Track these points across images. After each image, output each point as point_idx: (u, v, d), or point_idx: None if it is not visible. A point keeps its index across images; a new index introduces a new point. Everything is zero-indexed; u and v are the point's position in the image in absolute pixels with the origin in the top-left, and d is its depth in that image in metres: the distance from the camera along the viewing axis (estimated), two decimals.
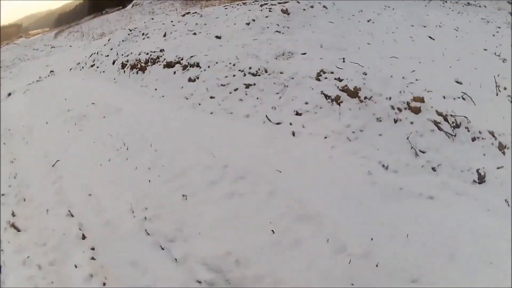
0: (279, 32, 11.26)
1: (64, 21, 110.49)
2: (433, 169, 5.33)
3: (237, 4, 16.22)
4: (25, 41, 56.97)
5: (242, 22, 12.44)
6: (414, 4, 18.51)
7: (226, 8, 15.55)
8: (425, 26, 12.91)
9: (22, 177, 7.67)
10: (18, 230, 5.70)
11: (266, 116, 6.96)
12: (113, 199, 5.81)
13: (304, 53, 8.82)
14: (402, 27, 12.64)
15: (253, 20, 12.22)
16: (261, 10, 13.05)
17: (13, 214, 6.08)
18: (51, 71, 21.53)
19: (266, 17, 12.31)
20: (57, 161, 7.85)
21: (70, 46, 38.75)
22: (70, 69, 18.30)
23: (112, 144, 7.77)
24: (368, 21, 13.31)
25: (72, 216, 5.68)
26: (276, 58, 8.81)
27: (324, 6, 13.82)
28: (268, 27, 11.65)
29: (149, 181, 5.98)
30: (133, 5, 54.29)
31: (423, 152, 5.56)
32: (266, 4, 14.22)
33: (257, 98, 7.59)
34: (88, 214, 5.66)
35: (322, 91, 6.96)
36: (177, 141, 7.14)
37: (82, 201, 6.03)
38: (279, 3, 13.97)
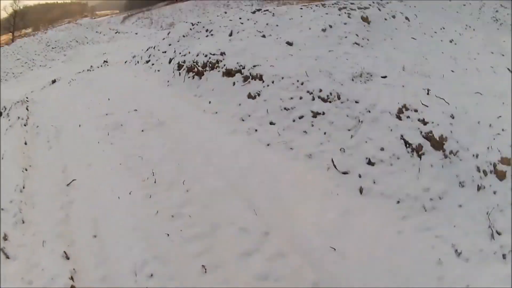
0: (358, 44, 10.40)
1: (136, 4, 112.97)
2: (503, 256, 4.33)
3: (315, 5, 15.18)
4: (89, 21, 57.72)
5: (317, 27, 11.53)
6: (489, 26, 17.56)
7: (301, 9, 14.52)
8: (503, 55, 11.76)
9: (30, 192, 7.27)
10: (7, 257, 5.47)
11: (332, 161, 5.90)
12: (119, 250, 5.20)
13: (385, 77, 7.81)
14: (483, 53, 11.66)
15: (330, 27, 11.34)
16: (340, 15, 12.20)
17: (5, 238, 5.81)
18: (105, 61, 21.52)
19: (345, 24, 11.51)
20: (73, 180, 7.39)
21: (136, 33, 39.00)
22: (125, 62, 18.05)
23: (139, 171, 7.19)
24: (451, 41, 12.53)
25: (68, 258, 5.24)
26: (353, 80, 7.80)
27: (406, 18, 13.19)
28: (346, 37, 10.80)
29: (168, 235, 5.23)
30: None
31: (499, 234, 4.52)
32: (345, 8, 13.29)
33: (325, 133, 6.60)
34: (86, 261, 5.18)
35: (402, 136, 5.89)
36: (216, 182, 6.43)
37: (85, 242, 5.54)
38: (359, 8, 13.14)
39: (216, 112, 9.01)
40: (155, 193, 6.40)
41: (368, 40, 10.73)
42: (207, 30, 14.84)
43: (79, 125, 10.48)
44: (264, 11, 14.61)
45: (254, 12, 14.72)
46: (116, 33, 41.54)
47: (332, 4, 14.86)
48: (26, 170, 8.43)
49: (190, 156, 7.37)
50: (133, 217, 5.95)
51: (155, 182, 6.70)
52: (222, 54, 10.72)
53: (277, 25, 12.87)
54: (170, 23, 38.42)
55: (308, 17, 13.00)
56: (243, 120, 8.15)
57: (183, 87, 11.23)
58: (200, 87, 10.57)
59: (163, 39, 16.66)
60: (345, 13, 12.35)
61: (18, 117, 12.47)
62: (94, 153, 8.51)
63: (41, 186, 7.56)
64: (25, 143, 10.14)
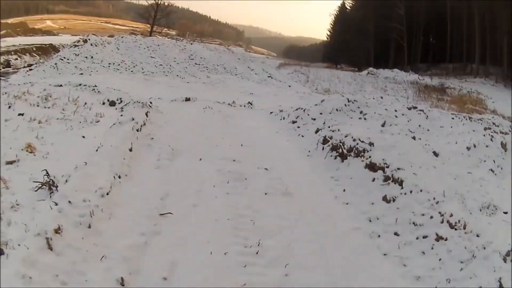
0: (493, 171, 10.66)
1: (293, 54, 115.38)
2: None
3: (463, 117, 15.78)
4: (243, 53, 57.57)
5: (463, 143, 11.97)
6: None
7: (453, 119, 15.12)
8: None
9: (114, 201, 7.54)
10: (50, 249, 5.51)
11: None
12: None
13: (506, 212, 8.20)
14: None
15: (474, 146, 11.71)
16: (484, 136, 12.47)
17: (58, 231, 5.78)
18: (249, 102, 21.58)
19: (486, 146, 11.77)
20: (169, 213, 7.67)
21: (289, 86, 39.30)
22: (271, 113, 18.80)
23: (245, 236, 7.31)
24: None
25: (122, 285, 5.49)
26: (480, 210, 8.31)
27: None
28: (485, 161, 11.12)
29: None
30: (368, 73, 55.22)
31: None
32: (490, 129, 13.54)
33: (440, 260, 6.95)
34: None
35: (500, 279, 6.03)
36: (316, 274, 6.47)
37: (152, 278, 5.79)
38: (501, 132, 13.29)
39: (347, 203, 9.11)
40: (252, 264, 6.45)
41: (501, 169, 10.87)
42: (361, 112, 15.51)
43: (200, 159, 10.88)
44: (419, 110, 15.30)
45: (410, 109, 15.51)
46: (268, 77, 41.91)
47: (477, 120, 15.28)
48: (119, 177, 8.49)
49: (301, 241, 7.31)
50: (214, 277, 6.02)
51: (257, 253, 6.75)
52: (371, 144, 10.91)
53: (428, 130, 13.62)
54: (326, 88, 38.81)
55: (457, 129, 13.64)
56: (370, 221, 8.35)
57: (322, 164, 11.51)
58: (339, 170, 10.81)
59: (316, 105, 17.22)
60: (489, 134, 12.58)
61: (133, 119, 12.49)
62: (205, 195, 8.72)
63: (129, 201, 7.78)
64: (130, 150, 10.21)
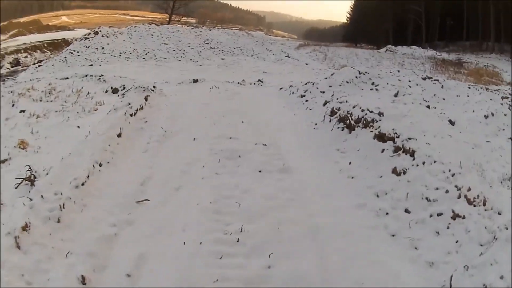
0: None
1: (314, 37, 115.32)
2: None
3: (480, 88, 15.23)
4: (262, 36, 57.63)
5: (481, 112, 11.30)
6: None
7: (469, 88, 14.40)
8: None
9: (88, 192, 6.91)
10: (18, 248, 5.14)
11: (450, 279, 5.07)
12: None
13: None
14: None
15: (492, 115, 11.06)
16: (502, 104, 11.91)
17: (26, 228, 5.41)
18: (259, 80, 21.11)
19: (505, 115, 11.23)
20: (145, 200, 7.05)
21: (306, 64, 38.32)
22: (280, 88, 18.02)
23: (227, 221, 6.42)
24: None
25: (84, 284, 4.94)
26: (501, 183, 7.31)
27: None
28: (504, 129, 10.49)
29: None
30: (386, 50, 54.04)
31: None
32: (507, 98, 13.04)
33: (456, 242, 5.77)
34: None
35: None
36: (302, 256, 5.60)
37: (114, 275, 5.21)
38: None
39: (353, 177, 8.14)
40: (233, 255, 5.59)
41: None
42: (373, 83, 14.59)
43: (194, 139, 10.20)
44: (434, 80, 14.37)
45: (424, 79, 14.53)
46: (286, 56, 40.89)
47: (494, 90, 14.97)
48: (100, 165, 7.88)
49: (291, 224, 6.34)
50: (184, 271, 5.28)
51: (237, 241, 5.86)
52: (380, 114, 9.95)
53: (443, 99, 12.67)
54: (343, 65, 37.54)
55: (474, 98, 12.91)
56: (377, 196, 7.31)
57: (328, 136, 10.58)
58: (346, 142, 9.88)
59: (325, 78, 16.32)
60: (507, 103, 12.07)
61: (128, 103, 11.94)
62: (190, 177, 8.00)
63: (106, 190, 7.20)
64: (119, 135, 9.52)
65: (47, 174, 7.22)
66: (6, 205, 6.35)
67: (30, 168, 7.46)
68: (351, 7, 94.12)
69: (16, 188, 7.07)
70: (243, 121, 11.70)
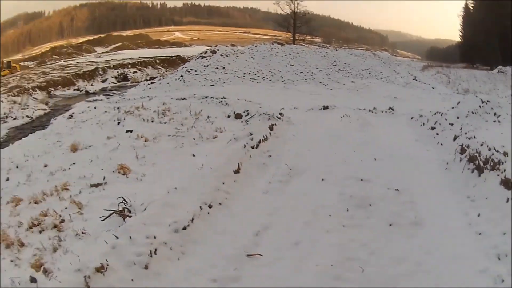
0: None
1: (435, 56, 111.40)
2: None
3: None
4: (389, 57, 52.98)
5: None
6: None
7: None
8: None
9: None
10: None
11: None
12: None
13: None
14: None
15: None
16: None
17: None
18: (390, 108, 20.27)
19: None
20: (258, 254, 6.16)
21: (433, 88, 36.80)
22: (411, 118, 17.52)
23: None
24: None
25: None
26: None
27: None
28: None
29: None
30: (498, 71, 51.26)
31: None
32: None
33: None
34: None
35: None
36: None
37: None
38: None
39: (480, 234, 6.77)
40: None
41: None
42: (495, 114, 14.17)
43: (322, 179, 9.27)
44: None
45: None
46: (413, 79, 39.52)
47: None
48: (209, 207, 7.22)
49: None
50: None
51: None
52: (505, 154, 8.52)
53: None
54: (465, 88, 36.35)
55: None
56: (499, 259, 5.98)
57: (460, 179, 9.40)
58: (475, 188, 8.58)
59: (452, 108, 15.89)
60: None
61: (250, 134, 11.27)
62: (314, 229, 7.07)
63: (213, 238, 6.54)
64: (236, 171, 8.81)
65: (144, 209, 6.67)
66: (90, 235, 6.21)
67: (124, 200, 6.96)
68: (460, 25, 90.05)
69: (102, 221, 6.71)
70: (375, 159, 10.88)
